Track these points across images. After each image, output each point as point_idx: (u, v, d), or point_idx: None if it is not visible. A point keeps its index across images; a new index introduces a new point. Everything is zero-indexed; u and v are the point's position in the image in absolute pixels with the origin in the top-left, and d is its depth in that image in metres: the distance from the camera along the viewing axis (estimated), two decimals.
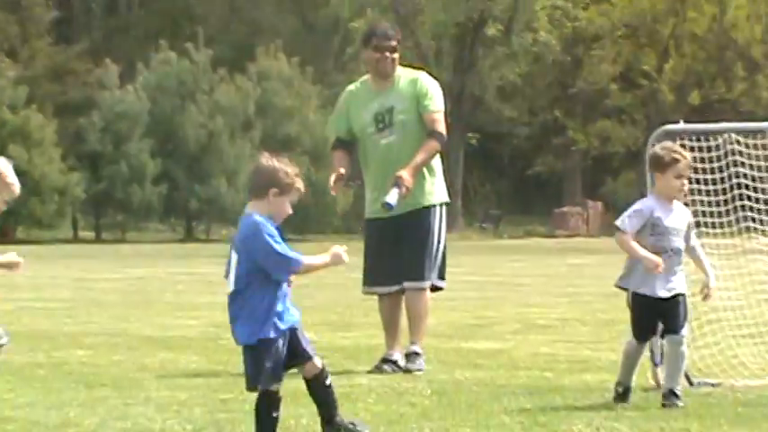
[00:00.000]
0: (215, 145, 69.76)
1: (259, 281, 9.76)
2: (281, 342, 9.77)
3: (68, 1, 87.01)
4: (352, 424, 10.50)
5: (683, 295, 11.92)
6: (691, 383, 12.43)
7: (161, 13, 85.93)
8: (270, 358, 9.75)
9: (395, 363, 14.38)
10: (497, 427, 11.13)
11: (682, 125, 14.27)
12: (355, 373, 13.80)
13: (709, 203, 14.25)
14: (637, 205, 12.01)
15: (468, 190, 73.06)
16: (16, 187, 11.26)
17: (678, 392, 11.59)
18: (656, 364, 12.32)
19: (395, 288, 14.84)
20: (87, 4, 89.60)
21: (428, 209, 14.95)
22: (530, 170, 78.12)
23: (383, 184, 14.54)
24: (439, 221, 15.06)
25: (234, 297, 9.76)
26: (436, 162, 15.05)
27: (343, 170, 14.63)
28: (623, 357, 11.90)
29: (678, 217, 11.98)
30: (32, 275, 32.14)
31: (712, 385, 12.91)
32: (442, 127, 14.95)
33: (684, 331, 11.96)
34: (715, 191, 14.32)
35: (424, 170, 14.81)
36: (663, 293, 11.76)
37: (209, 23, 77.49)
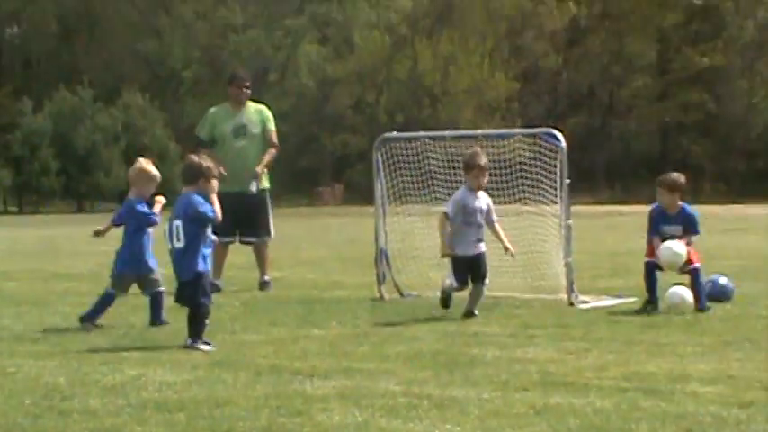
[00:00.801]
0: (96, 150, 70.62)
1: (198, 237, 10.14)
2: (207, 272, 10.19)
3: (0, 59, 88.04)
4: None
5: (484, 254, 12.32)
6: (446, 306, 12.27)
7: (58, 66, 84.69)
8: (207, 283, 10.17)
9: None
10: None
11: (395, 134, 15.42)
12: None
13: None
14: (455, 196, 12.38)
15: None
16: (158, 177, 11.93)
17: (476, 312, 12.05)
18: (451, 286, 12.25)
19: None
20: (11, 60, 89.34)
21: (264, 191, 15.67)
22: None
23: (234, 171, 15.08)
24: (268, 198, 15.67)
25: (182, 250, 10.11)
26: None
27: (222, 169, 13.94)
28: (442, 292, 12.34)
29: (480, 202, 12.31)
30: None
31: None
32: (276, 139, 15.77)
33: (486, 280, 12.33)
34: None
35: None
36: (471, 253, 12.14)
37: (90, 73, 76.14)
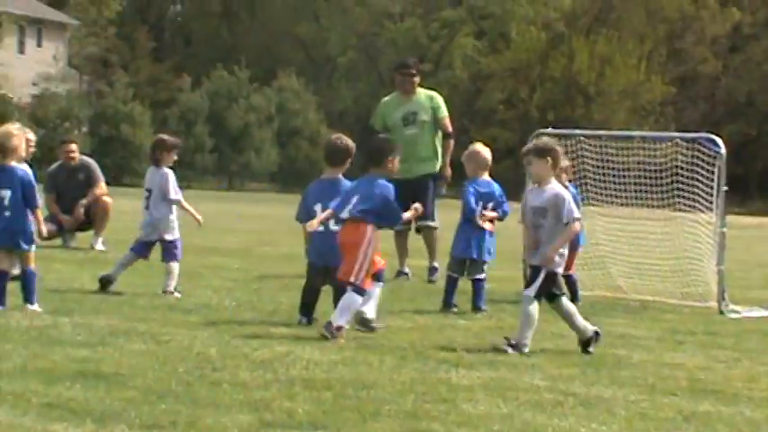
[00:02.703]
0: (249, 130, 71.16)
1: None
2: None
3: (161, 35, 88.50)
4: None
5: None
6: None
7: (217, 46, 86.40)
8: None
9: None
10: None
11: (550, 130, 15.06)
12: None
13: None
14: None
15: None
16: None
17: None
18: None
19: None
20: (172, 38, 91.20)
21: (429, 176, 15.32)
22: None
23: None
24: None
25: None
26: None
27: None
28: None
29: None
30: (133, 206, 36.43)
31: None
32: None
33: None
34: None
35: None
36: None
37: (247, 54, 76.91)
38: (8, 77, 67.19)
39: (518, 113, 78.54)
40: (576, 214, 9.61)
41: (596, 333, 9.45)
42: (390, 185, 10.01)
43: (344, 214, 9.85)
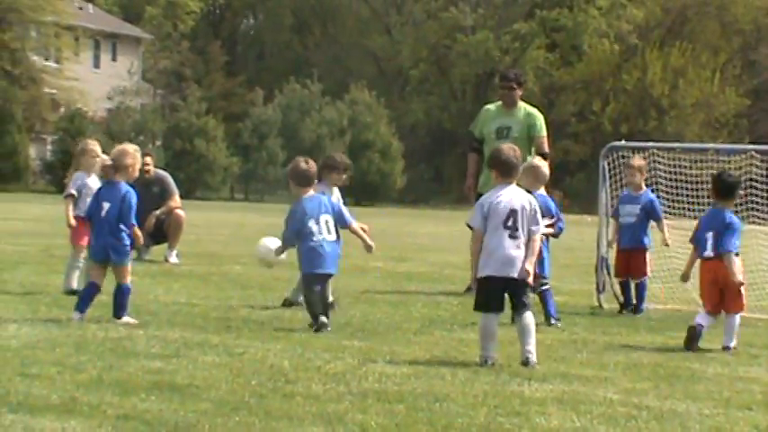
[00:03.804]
0: (321, 143, 69.73)
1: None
2: None
3: (234, 49, 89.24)
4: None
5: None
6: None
7: (290, 59, 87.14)
8: None
9: None
10: None
11: (623, 143, 14.96)
12: None
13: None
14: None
15: None
16: None
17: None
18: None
19: None
20: (245, 51, 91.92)
21: None
22: None
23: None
24: None
25: (337, 241, 10.72)
26: None
27: (471, 180, 14.91)
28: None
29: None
30: (206, 219, 33.80)
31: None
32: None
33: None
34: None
35: None
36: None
37: (319, 67, 77.45)
38: (84, 92, 68.11)
39: (590, 126, 78.58)
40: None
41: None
42: None
43: None
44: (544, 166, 12.10)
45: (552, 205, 12.08)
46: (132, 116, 68.36)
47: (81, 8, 75.64)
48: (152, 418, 6.64)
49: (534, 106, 15.47)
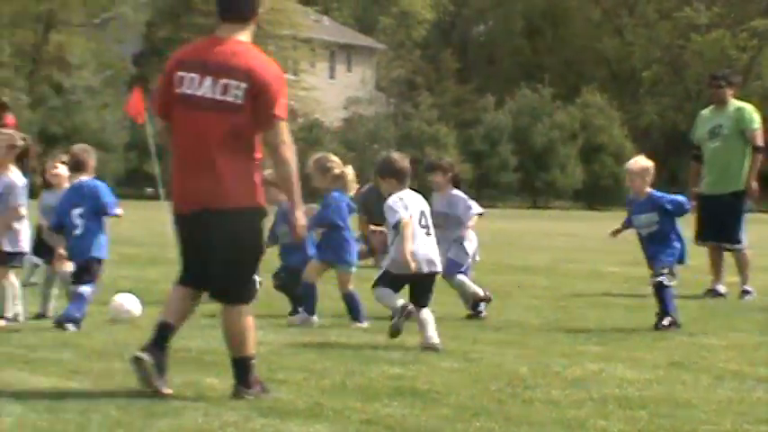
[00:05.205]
0: (553, 148, 71.60)
1: None
2: None
3: (465, 55, 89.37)
4: None
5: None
6: None
7: (521, 64, 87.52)
8: None
9: None
10: None
11: None
12: None
13: None
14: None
15: None
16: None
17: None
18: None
19: None
20: (476, 58, 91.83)
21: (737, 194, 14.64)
22: None
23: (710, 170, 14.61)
24: None
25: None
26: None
27: (693, 189, 14.64)
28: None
29: None
30: None
31: None
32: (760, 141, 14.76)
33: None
34: None
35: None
36: None
37: (551, 71, 77.65)
38: (320, 102, 69.68)
39: None
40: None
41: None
42: None
43: None
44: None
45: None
46: (366, 125, 69.29)
47: (317, 21, 77.32)
48: (395, 423, 6.70)
49: (746, 100, 15.45)
